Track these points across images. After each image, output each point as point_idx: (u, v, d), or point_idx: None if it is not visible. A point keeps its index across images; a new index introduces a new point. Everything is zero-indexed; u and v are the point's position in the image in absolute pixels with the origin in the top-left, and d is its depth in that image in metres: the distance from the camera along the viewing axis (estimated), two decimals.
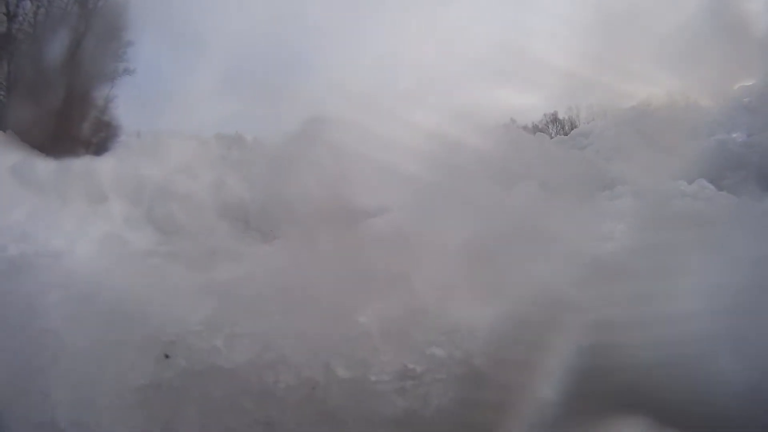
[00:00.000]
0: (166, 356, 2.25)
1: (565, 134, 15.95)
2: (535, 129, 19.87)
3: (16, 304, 2.55)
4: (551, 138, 14.29)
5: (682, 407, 2.36)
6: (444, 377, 2.35)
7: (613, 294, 2.60)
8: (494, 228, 2.95)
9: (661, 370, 2.42)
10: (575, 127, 17.64)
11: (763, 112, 6.62)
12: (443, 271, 2.73)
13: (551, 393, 2.39)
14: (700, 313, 2.53)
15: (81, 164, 7.17)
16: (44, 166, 6.94)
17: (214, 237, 5.67)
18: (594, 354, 2.45)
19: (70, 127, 11.32)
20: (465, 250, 2.83)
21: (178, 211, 6.35)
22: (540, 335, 2.47)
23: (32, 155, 7.22)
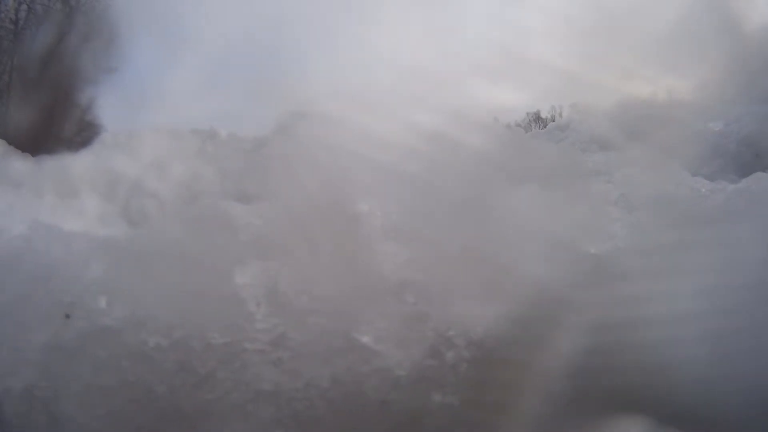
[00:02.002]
0: (67, 316, 2.19)
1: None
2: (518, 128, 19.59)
3: None
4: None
5: (683, 408, 2.25)
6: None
7: (612, 293, 2.44)
8: (489, 226, 2.70)
9: (661, 371, 2.28)
10: None
11: (738, 102, 6.42)
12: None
13: (550, 394, 2.25)
14: (701, 314, 2.36)
15: (56, 160, 6.86)
16: (20, 162, 6.63)
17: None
18: (594, 355, 2.30)
19: (52, 124, 10.89)
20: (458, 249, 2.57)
21: (150, 206, 6.05)
22: (538, 336, 2.33)
23: (8, 152, 6.90)
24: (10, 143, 7.67)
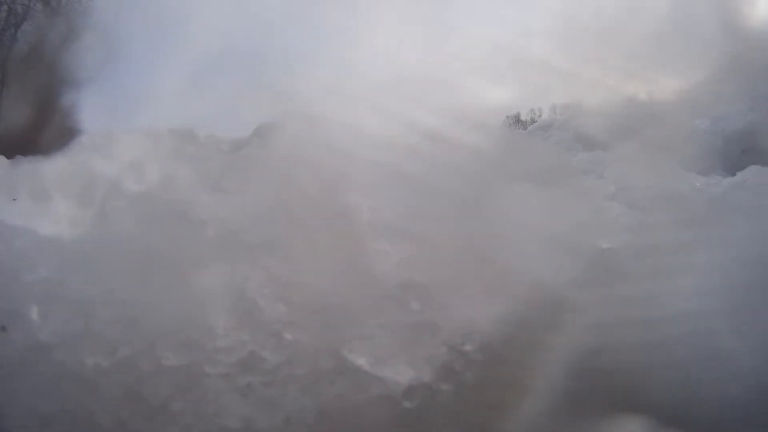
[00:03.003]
0: (3, 328, 1.88)
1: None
2: None
3: None
4: None
5: (683, 407, 2.12)
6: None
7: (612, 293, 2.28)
8: (489, 226, 2.50)
9: (661, 371, 2.20)
10: None
11: (724, 101, 6.28)
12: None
13: (550, 394, 2.08)
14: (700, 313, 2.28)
15: (31, 162, 6.51)
16: None
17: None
18: (593, 355, 2.16)
19: (31, 127, 10.51)
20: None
21: (126, 209, 5.70)
22: (538, 336, 2.14)
23: None
24: None
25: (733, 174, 5.11)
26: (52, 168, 6.28)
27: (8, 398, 1.81)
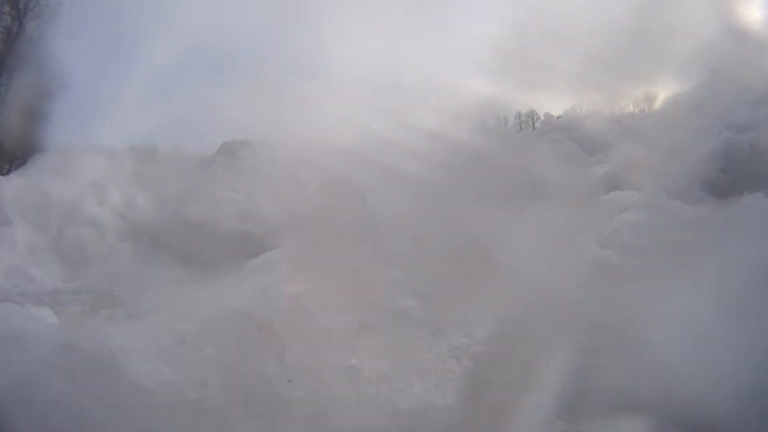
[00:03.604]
0: None
1: None
2: None
3: None
4: None
5: (682, 408, 2.08)
6: None
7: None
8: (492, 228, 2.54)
9: (660, 371, 2.16)
10: None
11: (690, 121, 6.16)
12: None
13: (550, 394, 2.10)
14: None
15: None
16: None
17: (121, 265, 4.77)
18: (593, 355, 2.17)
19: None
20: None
21: (86, 239, 5.31)
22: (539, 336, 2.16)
23: None
24: None
25: (713, 195, 4.99)
26: (8, 190, 5.90)
27: None
